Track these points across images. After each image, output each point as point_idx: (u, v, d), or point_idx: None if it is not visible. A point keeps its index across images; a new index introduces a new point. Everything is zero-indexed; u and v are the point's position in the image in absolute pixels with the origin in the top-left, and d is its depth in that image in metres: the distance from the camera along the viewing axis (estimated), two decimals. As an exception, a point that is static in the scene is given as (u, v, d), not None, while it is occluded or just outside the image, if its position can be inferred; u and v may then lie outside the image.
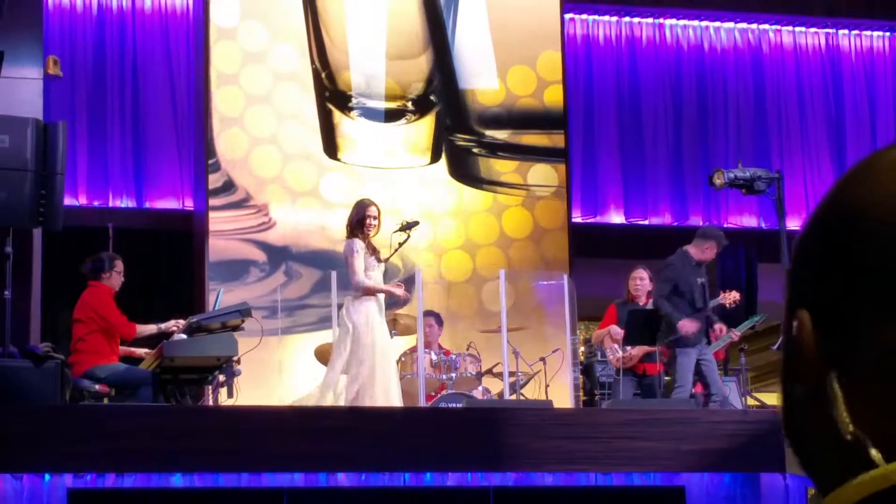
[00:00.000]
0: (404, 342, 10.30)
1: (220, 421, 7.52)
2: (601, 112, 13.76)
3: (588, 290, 11.23)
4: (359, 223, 8.81)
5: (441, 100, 12.51)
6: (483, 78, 12.64)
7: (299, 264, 11.81)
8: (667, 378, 9.80)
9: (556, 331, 10.42)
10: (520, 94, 12.69)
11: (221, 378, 8.59)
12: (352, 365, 8.48)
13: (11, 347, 7.77)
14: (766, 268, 10.52)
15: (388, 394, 8.47)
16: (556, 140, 12.70)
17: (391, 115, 12.38)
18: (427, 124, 12.48)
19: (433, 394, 9.71)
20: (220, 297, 9.24)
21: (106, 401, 8.43)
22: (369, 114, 12.31)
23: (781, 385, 0.91)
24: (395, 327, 10.01)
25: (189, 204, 12.43)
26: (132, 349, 8.87)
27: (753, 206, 13.77)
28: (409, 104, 12.43)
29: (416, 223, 9.38)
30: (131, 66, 12.58)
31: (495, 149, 12.58)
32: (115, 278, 8.80)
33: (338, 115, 12.25)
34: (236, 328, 8.55)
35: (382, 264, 8.85)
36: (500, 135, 12.60)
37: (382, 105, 12.36)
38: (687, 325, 9.13)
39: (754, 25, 14.30)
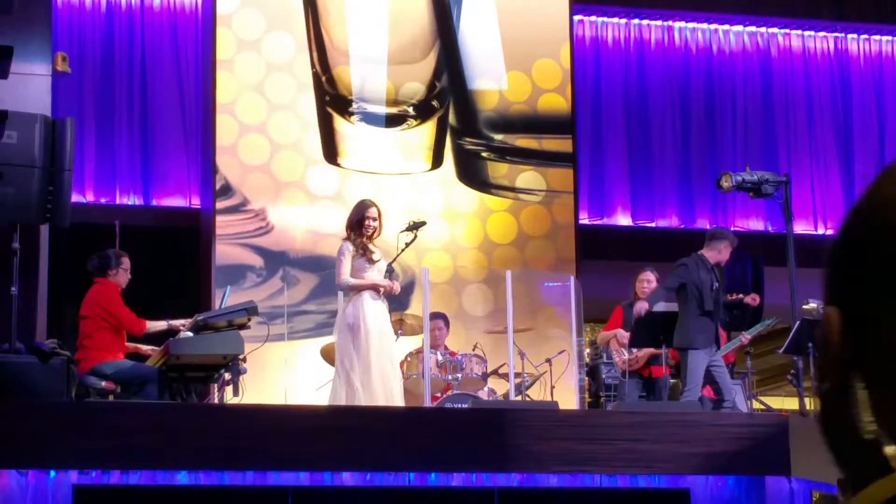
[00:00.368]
0: (412, 343, 10.30)
1: (225, 419, 7.51)
2: (609, 113, 13.75)
3: (594, 292, 11.22)
4: (358, 223, 8.79)
5: (450, 101, 12.49)
6: (492, 78, 12.62)
7: (297, 269, 11.76)
8: (673, 381, 9.79)
9: (562, 332, 10.41)
10: (525, 96, 12.67)
11: (227, 376, 8.58)
12: (348, 363, 8.49)
13: (17, 343, 7.77)
14: (773, 271, 10.50)
15: (386, 391, 8.47)
16: (564, 143, 12.68)
17: (392, 120, 12.32)
18: (428, 130, 12.43)
19: (439, 394, 9.71)
20: (228, 294, 9.23)
21: (111, 398, 8.43)
22: (370, 118, 12.25)
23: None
24: (402, 328, 10.01)
25: (196, 202, 12.43)
26: (138, 346, 8.88)
27: (761, 210, 13.76)
28: (411, 109, 12.38)
29: (424, 223, 9.37)
30: (140, 64, 12.58)
31: (504, 153, 12.56)
32: (122, 275, 8.80)
33: (338, 120, 12.20)
34: (243, 326, 8.54)
35: (376, 265, 8.77)
36: (509, 138, 12.58)
37: (383, 110, 12.30)
38: (639, 306, 9.22)
39: (763, 29, 14.29)
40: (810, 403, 9.57)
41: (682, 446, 7.79)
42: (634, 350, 9.93)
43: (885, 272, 0.85)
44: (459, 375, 9.85)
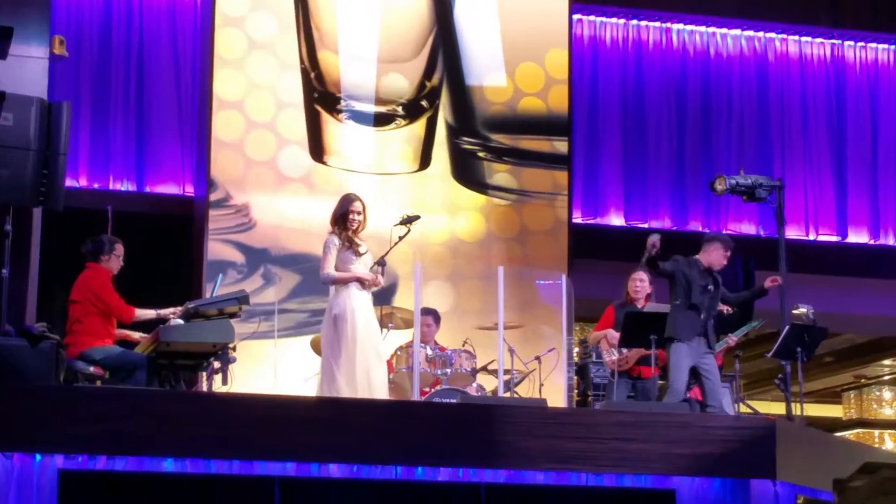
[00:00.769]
0: (402, 336, 10.29)
1: (213, 407, 7.50)
2: (605, 113, 13.76)
3: (586, 291, 11.22)
4: (342, 217, 8.78)
5: (440, 102, 12.44)
6: (491, 75, 12.61)
7: (278, 267, 11.72)
8: (661, 382, 9.79)
9: (552, 330, 10.42)
10: (527, 91, 12.66)
11: (216, 365, 8.57)
12: (335, 355, 8.50)
13: (7, 326, 7.75)
14: (764, 276, 10.52)
15: (370, 383, 8.46)
16: (560, 144, 12.65)
17: (380, 120, 12.29)
18: (417, 130, 12.39)
19: (427, 389, 9.71)
20: (220, 282, 9.22)
21: (100, 383, 8.41)
22: (358, 117, 12.22)
23: None
24: (392, 321, 10.01)
25: (190, 190, 12.41)
26: (128, 333, 8.86)
27: (753, 214, 13.78)
28: (399, 108, 12.35)
29: (417, 217, 9.36)
30: (137, 50, 12.57)
31: (501, 153, 12.54)
32: (114, 262, 8.78)
33: (326, 117, 12.17)
34: (233, 315, 8.54)
35: (362, 258, 8.76)
36: (506, 139, 12.55)
37: (372, 108, 12.27)
38: (653, 237, 9.01)
39: (761, 34, 14.31)
40: (797, 408, 9.59)
41: (668, 447, 7.80)
42: (624, 350, 9.94)
43: None
44: (449, 370, 9.85)
